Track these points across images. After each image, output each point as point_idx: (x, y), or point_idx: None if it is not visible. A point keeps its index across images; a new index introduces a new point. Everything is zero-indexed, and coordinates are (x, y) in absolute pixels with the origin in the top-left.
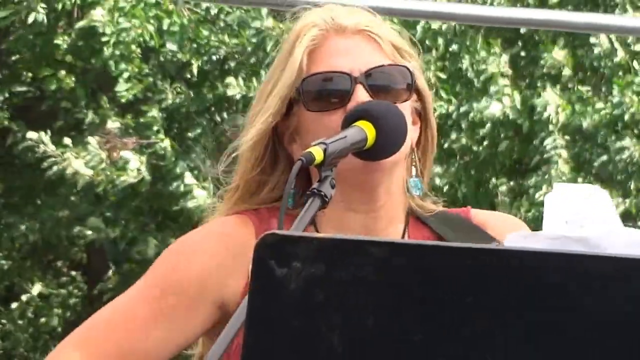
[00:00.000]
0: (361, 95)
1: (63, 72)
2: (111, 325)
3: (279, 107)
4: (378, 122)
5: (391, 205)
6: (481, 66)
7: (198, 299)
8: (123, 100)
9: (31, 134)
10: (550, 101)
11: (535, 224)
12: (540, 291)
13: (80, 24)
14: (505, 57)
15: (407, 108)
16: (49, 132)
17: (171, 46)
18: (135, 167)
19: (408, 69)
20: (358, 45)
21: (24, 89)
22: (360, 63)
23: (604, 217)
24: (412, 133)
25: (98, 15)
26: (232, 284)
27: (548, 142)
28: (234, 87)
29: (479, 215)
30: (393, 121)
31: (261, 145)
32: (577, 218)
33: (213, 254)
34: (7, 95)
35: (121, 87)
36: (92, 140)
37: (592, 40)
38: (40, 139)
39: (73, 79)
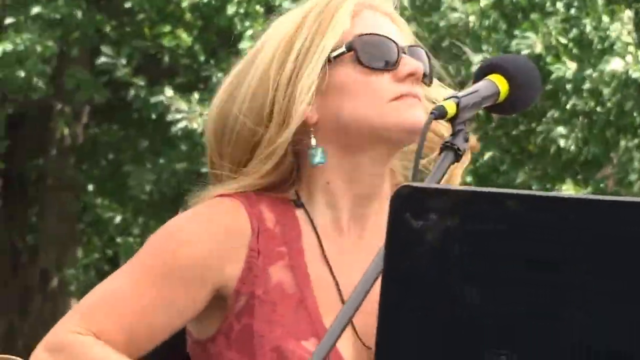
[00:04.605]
0: (409, 60)
1: (181, 29)
2: (117, 309)
3: (323, 66)
4: (511, 75)
5: None
6: (604, 32)
7: (198, 285)
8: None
9: (168, 92)
10: None
11: None
12: None
13: None
14: (629, 13)
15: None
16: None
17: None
18: None
19: (427, 54)
20: (390, 24)
21: (147, 43)
22: (399, 37)
23: None
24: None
25: None
26: (229, 269)
27: None
28: None
29: None
30: (528, 75)
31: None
32: None
33: (211, 241)
34: (129, 51)
35: (245, 45)
36: None
37: None
38: (176, 98)
39: (189, 37)
